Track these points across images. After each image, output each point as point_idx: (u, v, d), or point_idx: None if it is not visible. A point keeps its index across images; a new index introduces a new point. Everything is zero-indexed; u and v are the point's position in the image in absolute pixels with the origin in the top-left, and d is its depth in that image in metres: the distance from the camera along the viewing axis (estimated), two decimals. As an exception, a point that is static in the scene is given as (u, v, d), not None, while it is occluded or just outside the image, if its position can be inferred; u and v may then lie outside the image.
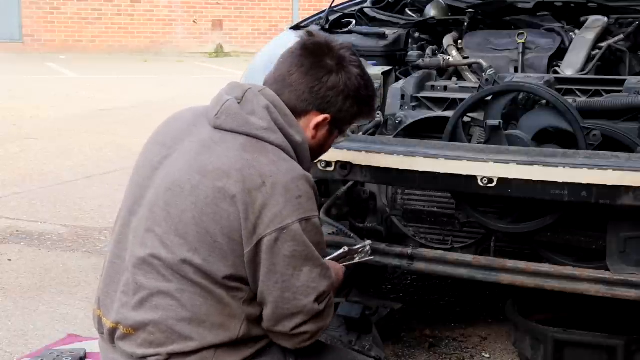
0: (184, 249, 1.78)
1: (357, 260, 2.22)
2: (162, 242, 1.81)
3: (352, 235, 2.70)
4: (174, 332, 1.79)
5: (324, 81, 1.90)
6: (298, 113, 1.90)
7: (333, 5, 3.45)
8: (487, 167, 2.39)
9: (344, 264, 2.15)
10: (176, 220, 1.80)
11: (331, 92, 1.90)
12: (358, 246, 2.25)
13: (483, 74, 2.76)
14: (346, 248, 2.21)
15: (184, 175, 1.82)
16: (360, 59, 2.01)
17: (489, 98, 2.58)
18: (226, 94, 1.90)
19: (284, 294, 1.78)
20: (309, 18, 3.50)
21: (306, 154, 1.92)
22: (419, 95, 2.85)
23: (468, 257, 2.61)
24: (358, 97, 1.94)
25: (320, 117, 1.92)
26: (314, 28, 3.27)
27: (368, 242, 2.31)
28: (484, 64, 2.94)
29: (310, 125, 1.92)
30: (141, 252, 1.83)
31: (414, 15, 3.50)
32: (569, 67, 2.90)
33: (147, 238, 1.83)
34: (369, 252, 2.26)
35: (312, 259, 1.80)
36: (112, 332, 1.89)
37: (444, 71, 3.07)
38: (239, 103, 1.85)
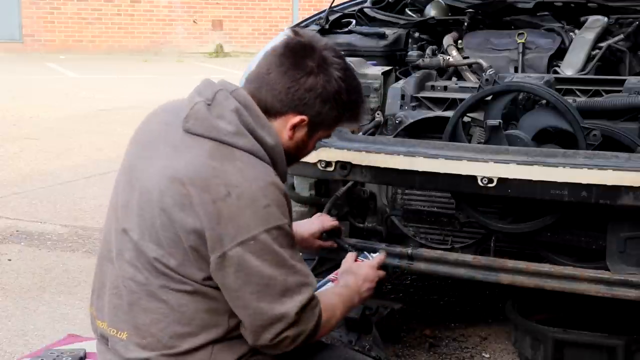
0: (160, 253, 1.78)
1: None
2: (140, 247, 1.80)
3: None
4: (166, 334, 1.79)
5: (302, 82, 1.83)
6: (274, 114, 1.85)
7: (333, 5, 3.44)
8: (487, 167, 2.39)
9: None
10: (148, 224, 1.79)
11: (308, 95, 1.84)
12: None
13: (483, 74, 2.76)
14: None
15: (154, 181, 1.80)
16: (352, 60, 1.97)
17: (489, 98, 2.57)
18: (197, 94, 1.85)
19: (260, 303, 1.74)
20: (309, 18, 3.50)
21: (280, 157, 1.86)
22: (419, 95, 2.85)
23: (468, 257, 2.60)
24: (338, 101, 1.87)
25: (297, 119, 1.86)
26: (313, 28, 3.27)
27: None
28: (484, 64, 2.95)
29: (287, 125, 1.86)
30: (127, 255, 1.83)
31: (414, 15, 3.50)
32: (569, 67, 2.90)
33: (125, 240, 1.83)
34: None
35: (286, 266, 1.76)
36: (105, 334, 1.89)
37: (444, 71, 3.07)
38: (209, 105, 1.81)
